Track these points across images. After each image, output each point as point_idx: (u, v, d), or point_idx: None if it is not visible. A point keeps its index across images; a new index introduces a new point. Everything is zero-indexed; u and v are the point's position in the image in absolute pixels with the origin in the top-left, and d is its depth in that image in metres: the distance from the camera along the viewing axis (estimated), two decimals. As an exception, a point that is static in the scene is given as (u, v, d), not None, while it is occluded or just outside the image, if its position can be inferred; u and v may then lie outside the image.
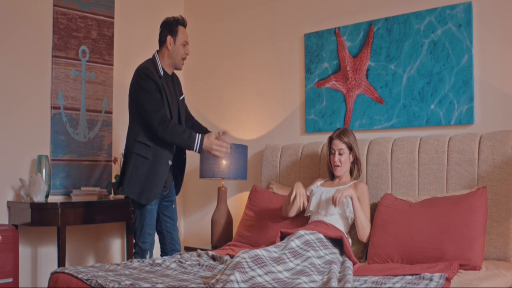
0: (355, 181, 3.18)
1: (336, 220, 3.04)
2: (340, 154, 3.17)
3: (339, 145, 3.18)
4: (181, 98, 3.43)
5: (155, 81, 3.17)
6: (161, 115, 3.12)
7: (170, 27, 3.29)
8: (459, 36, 3.26)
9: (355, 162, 3.22)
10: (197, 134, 3.13)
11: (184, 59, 3.34)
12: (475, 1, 3.23)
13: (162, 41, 3.31)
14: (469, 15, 3.22)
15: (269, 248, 2.56)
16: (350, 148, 3.19)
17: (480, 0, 3.21)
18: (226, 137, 3.18)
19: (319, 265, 2.55)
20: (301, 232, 2.75)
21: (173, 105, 3.30)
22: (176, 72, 3.49)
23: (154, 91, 3.15)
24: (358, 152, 3.23)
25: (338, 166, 3.18)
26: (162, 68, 3.29)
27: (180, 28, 3.30)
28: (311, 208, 3.15)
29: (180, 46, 3.29)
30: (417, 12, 3.44)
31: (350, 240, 3.01)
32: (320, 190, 3.19)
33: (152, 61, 3.28)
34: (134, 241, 3.28)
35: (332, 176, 3.29)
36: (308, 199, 3.23)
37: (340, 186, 3.15)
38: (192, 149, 3.12)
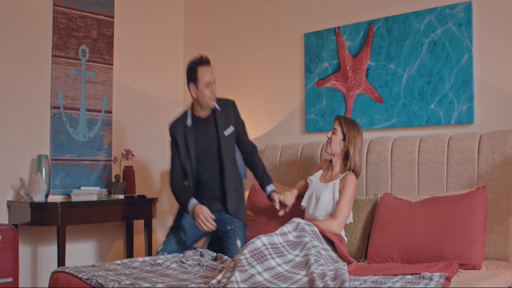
0: (346, 173, 3.11)
1: (324, 217, 3.05)
2: (333, 133, 3.15)
3: (336, 125, 3.16)
4: (227, 133, 3.25)
5: (175, 136, 3.25)
6: (173, 174, 3.25)
7: (190, 73, 3.18)
8: (459, 36, 3.26)
9: (348, 155, 3.12)
10: (192, 200, 3.13)
11: (212, 98, 3.17)
12: (475, 1, 3.23)
13: (188, 90, 3.21)
14: (469, 15, 3.22)
15: (271, 234, 2.55)
16: (344, 135, 3.12)
17: (480, -1, 3.22)
18: (287, 197, 3.20)
19: (313, 254, 2.53)
20: (297, 220, 2.71)
21: (203, 149, 3.22)
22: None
23: (174, 150, 3.27)
24: (354, 149, 3.10)
25: (328, 143, 3.16)
26: (193, 116, 3.24)
27: (200, 69, 3.15)
28: (304, 203, 3.17)
29: (203, 88, 3.14)
30: (417, 12, 3.44)
31: (346, 239, 3.02)
32: (315, 185, 3.16)
33: (185, 111, 3.31)
34: None
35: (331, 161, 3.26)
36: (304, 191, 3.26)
37: (333, 179, 3.11)
38: (185, 210, 3.16)
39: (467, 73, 3.22)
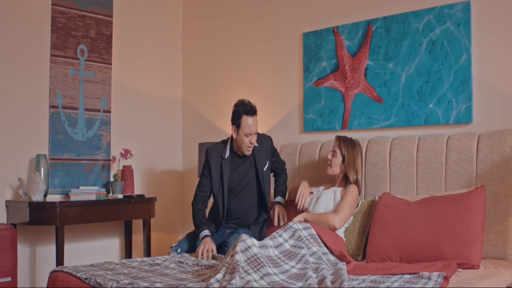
0: (348, 185, 3.20)
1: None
2: (333, 155, 3.25)
3: (335, 147, 3.26)
4: (265, 169, 3.38)
5: (209, 163, 3.32)
6: (199, 195, 3.36)
7: (235, 115, 3.24)
8: (458, 35, 3.26)
9: (347, 175, 3.22)
10: (205, 231, 3.20)
11: (250, 147, 3.28)
12: (474, 1, 3.23)
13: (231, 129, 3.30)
14: (467, 14, 3.23)
15: (266, 241, 2.55)
16: (343, 157, 3.22)
17: (479, -1, 3.22)
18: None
19: (313, 262, 2.54)
20: (295, 226, 2.74)
21: (238, 181, 3.33)
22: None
23: (206, 173, 3.35)
24: (352, 172, 3.19)
25: (329, 165, 3.26)
26: (231, 150, 3.33)
27: (244, 118, 3.20)
28: (306, 205, 3.25)
29: (243, 137, 3.23)
30: (415, 11, 3.44)
31: (344, 239, 3.03)
32: (317, 192, 3.26)
33: (225, 141, 3.39)
34: None
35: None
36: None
37: (335, 187, 3.22)
38: (198, 237, 3.23)
39: (465, 72, 3.23)
